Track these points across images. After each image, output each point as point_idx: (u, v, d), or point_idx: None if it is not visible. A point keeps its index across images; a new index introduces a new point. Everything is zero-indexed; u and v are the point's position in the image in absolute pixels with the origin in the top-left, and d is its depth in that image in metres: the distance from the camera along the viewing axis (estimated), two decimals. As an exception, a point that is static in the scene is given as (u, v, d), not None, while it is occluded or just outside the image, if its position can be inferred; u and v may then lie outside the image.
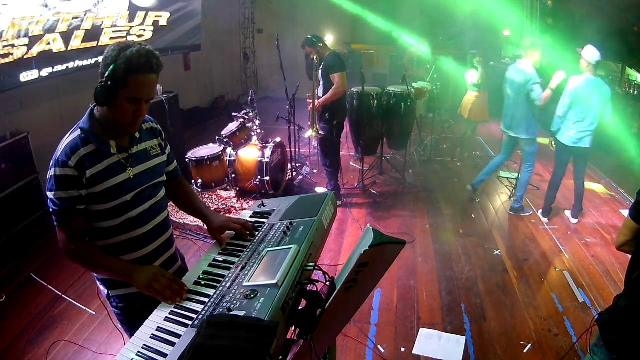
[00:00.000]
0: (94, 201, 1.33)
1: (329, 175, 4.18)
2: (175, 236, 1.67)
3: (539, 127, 3.91)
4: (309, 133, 4.00)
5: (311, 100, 3.93)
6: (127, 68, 1.24)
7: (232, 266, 1.29)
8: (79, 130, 1.33)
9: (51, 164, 1.29)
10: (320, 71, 3.88)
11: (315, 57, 3.88)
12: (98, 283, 1.53)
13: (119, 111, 1.30)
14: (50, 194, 1.30)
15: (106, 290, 1.51)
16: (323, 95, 3.88)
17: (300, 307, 1.14)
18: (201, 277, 1.29)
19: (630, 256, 1.60)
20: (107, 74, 1.25)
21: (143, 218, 1.44)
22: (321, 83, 3.93)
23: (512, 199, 4.26)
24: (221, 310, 1.08)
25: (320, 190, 4.51)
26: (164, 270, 1.32)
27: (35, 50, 3.51)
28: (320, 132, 3.93)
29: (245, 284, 1.15)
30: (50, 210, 1.32)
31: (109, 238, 1.40)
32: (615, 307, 1.51)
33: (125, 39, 4.59)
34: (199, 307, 1.15)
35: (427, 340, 2.52)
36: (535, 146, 3.96)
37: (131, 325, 1.50)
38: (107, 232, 1.39)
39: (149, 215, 1.46)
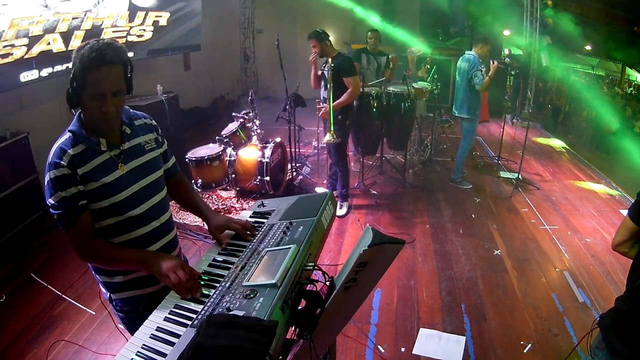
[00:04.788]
0: (89, 199, 1.31)
1: (343, 179, 4.09)
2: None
3: (479, 109, 4.54)
4: (327, 138, 3.77)
5: (321, 106, 3.79)
6: (81, 67, 1.22)
7: (231, 266, 1.28)
8: (69, 132, 1.32)
9: (46, 169, 1.28)
10: (326, 71, 3.72)
11: (316, 53, 3.74)
12: (100, 286, 1.51)
13: (88, 111, 1.29)
14: (51, 199, 1.28)
15: (108, 294, 1.49)
16: (328, 97, 3.71)
17: (299, 307, 1.14)
18: (201, 276, 1.28)
19: (625, 256, 1.58)
20: (70, 76, 1.24)
21: (144, 218, 1.42)
22: (323, 83, 3.82)
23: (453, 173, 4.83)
24: (220, 310, 1.08)
25: (320, 190, 4.51)
26: (184, 264, 1.29)
27: (35, 50, 3.51)
28: (337, 137, 3.76)
29: (244, 283, 1.15)
30: (55, 216, 1.30)
31: (108, 238, 1.38)
32: (618, 311, 1.48)
33: (125, 39, 4.60)
34: (198, 307, 1.15)
35: (427, 340, 2.52)
36: (473, 125, 4.56)
37: (135, 328, 1.45)
38: (106, 231, 1.37)
39: (150, 216, 1.43)
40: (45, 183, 1.28)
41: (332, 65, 3.66)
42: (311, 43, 3.81)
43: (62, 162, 1.26)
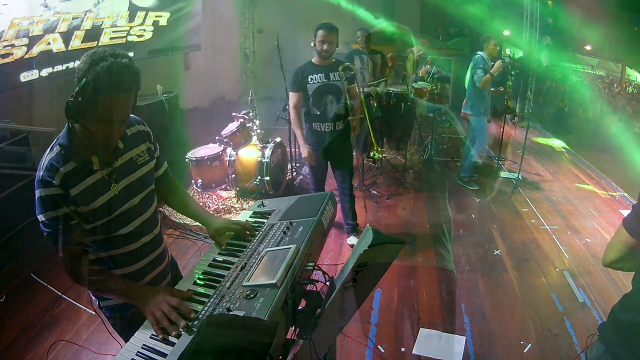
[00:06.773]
0: (80, 219, 1.27)
1: (353, 206, 3.58)
2: (175, 236, 1.65)
3: (486, 107, 4.53)
4: (374, 154, 3.57)
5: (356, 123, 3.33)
6: (95, 87, 1.12)
7: (231, 266, 1.29)
8: (58, 146, 1.23)
9: (35, 185, 1.22)
10: (339, 81, 3.13)
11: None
12: (89, 291, 1.47)
13: (89, 130, 1.21)
14: (41, 217, 1.23)
15: (97, 301, 1.47)
16: (346, 111, 3.23)
17: (299, 307, 1.14)
18: (201, 277, 1.28)
19: (620, 270, 1.48)
20: (76, 89, 1.14)
21: (133, 236, 1.38)
22: (332, 98, 3.16)
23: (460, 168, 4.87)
24: (221, 310, 1.08)
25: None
26: (169, 297, 1.17)
27: (35, 50, 3.51)
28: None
29: (244, 283, 1.15)
30: (45, 234, 1.25)
31: (95, 252, 1.35)
32: (625, 324, 1.38)
33: (125, 39, 4.59)
34: (198, 307, 1.15)
35: (427, 340, 2.52)
36: (480, 122, 4.55)
37: (126, 334, 1.42)
38: (93, 246, 1.34)
39: (139, 233, 1.40)
40: (35, 199, 1.22)
41: (353, 72, 3.17)
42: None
43: (53, 181, 1.19)
